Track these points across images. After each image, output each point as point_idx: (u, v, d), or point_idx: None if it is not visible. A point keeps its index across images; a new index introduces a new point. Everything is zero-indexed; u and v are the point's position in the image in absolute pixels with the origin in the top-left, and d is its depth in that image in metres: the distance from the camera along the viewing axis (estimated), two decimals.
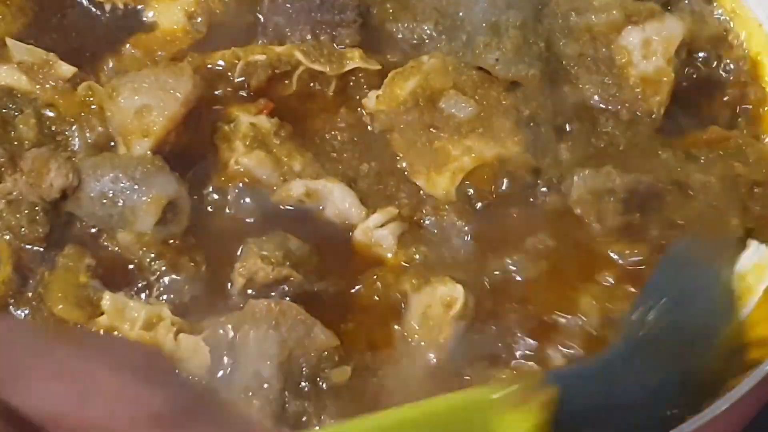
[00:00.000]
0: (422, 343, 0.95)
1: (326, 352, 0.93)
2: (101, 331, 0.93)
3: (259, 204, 1.02)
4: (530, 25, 1.10)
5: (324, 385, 0.92)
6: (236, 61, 1.07)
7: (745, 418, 0.90)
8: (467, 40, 1.09)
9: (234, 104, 1.07)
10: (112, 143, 1.04)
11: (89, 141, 1.04)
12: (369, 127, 1.07)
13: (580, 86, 1.10)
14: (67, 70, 1.08)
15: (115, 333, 0.93)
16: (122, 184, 0.99)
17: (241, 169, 1.03)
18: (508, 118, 1.05)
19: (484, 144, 1.03)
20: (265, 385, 0.90)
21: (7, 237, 0.99)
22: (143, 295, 0.97)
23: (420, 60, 1.07)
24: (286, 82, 1.08)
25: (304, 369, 0.92)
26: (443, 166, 1.03)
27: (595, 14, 1.11)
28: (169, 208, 1.00)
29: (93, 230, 1.00)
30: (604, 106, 1.09)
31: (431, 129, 1.05)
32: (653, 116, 1.09)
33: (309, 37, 1.09)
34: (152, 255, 0.98)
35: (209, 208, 1.02)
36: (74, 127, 1.04)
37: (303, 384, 0.92)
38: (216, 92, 1.08)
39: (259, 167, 1.03)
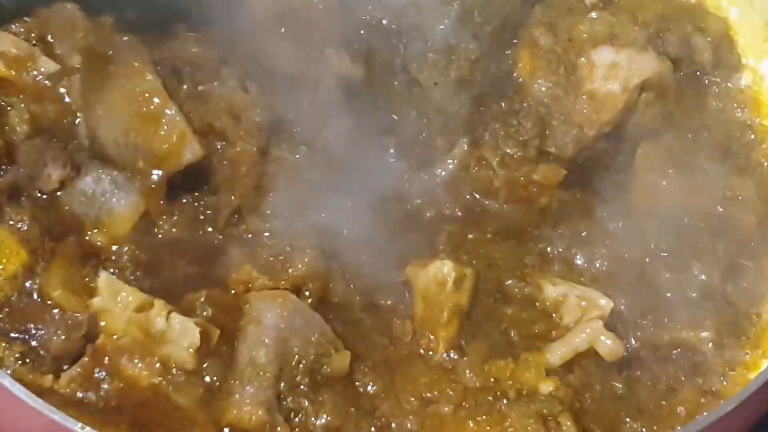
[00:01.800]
0: None
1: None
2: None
3: None
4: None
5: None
6: None
7: (751, 419, 0.95)
8: None
9: None
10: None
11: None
12: None
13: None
14: (50, 66, 1.09)
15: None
16: (104, 186, 1.05)
17: None
18: None
19: None
20: (260, 373, 0.98)
21: (19, 226, 1.03)
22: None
23: None
24: None
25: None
26: None
27: (584, 20, 1.10)
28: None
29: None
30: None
31: None
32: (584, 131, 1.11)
33: None
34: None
35: None
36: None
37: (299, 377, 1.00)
38: None
39: None
